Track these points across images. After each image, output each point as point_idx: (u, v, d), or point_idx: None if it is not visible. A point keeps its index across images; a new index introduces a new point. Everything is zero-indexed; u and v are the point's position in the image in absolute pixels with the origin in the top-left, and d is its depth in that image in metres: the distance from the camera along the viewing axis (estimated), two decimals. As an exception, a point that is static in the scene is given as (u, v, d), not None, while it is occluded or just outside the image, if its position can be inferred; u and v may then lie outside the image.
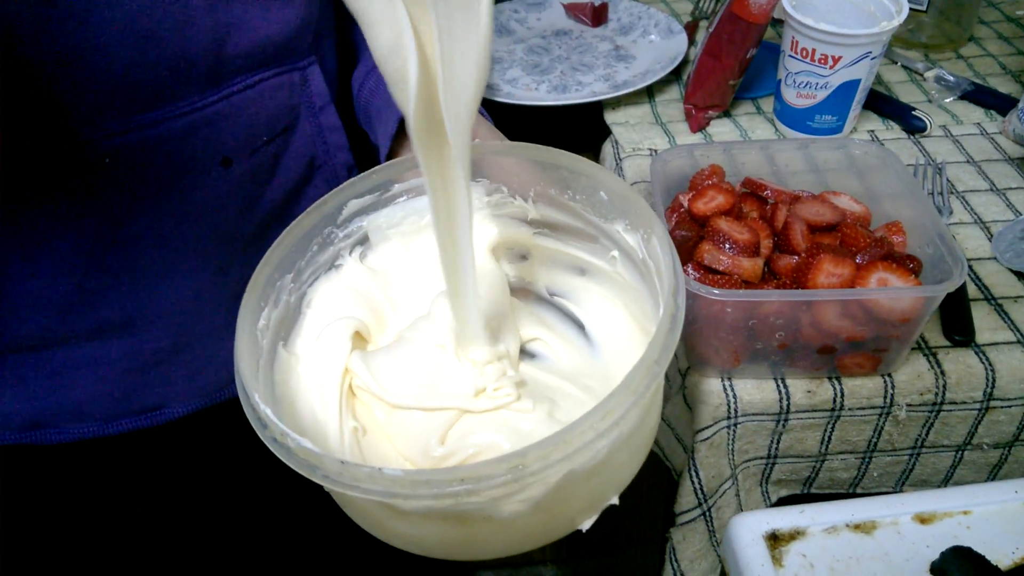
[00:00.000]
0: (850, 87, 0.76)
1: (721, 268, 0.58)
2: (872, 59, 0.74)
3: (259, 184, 0.56)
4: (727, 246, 0.58)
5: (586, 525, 0.39)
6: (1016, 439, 0.62)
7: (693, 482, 0.61)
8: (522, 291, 0.53)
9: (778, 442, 0.61)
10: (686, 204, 0.63)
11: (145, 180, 0.50)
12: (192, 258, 0.54)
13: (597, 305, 0.50)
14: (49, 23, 0.43)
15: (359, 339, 0.47)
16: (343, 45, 0.65)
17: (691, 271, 0.59)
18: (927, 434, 0.62)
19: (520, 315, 0.49)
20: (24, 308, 0.50)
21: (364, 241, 0.50)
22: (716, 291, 0.54)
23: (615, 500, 0.40)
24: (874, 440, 0.62)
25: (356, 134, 0.64)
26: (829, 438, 0.61)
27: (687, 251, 0.60)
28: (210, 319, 0.57)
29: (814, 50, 0.74)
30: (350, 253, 0.50)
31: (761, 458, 0.63)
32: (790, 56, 0.77)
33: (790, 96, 0.79)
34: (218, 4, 0.48)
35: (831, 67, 0.74)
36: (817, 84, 0.76)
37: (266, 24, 0.51)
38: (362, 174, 0.48)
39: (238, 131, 0.53)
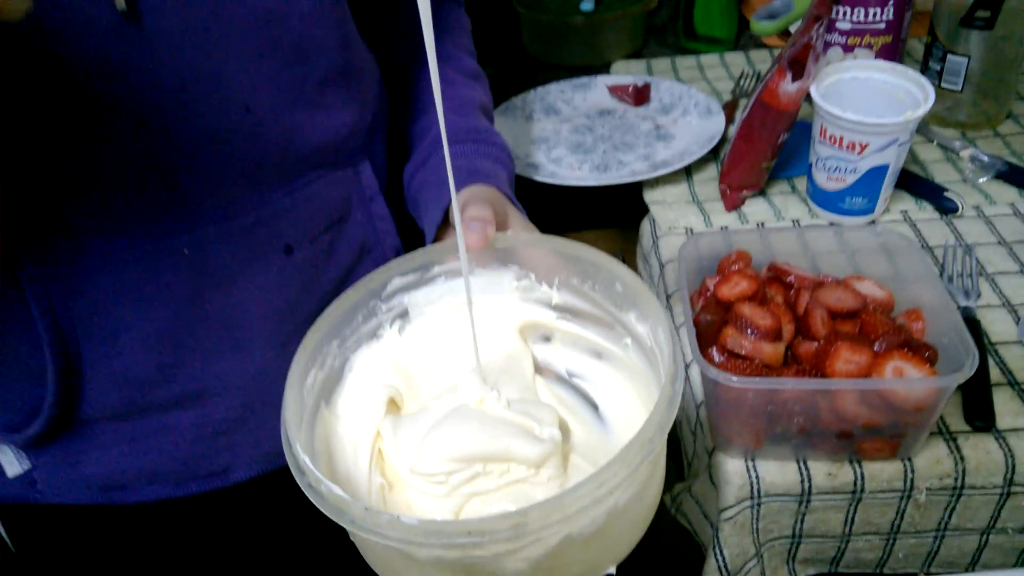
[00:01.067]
0: (879, 171, 0.78)
1: (743, 353, 0.61)
2: (900, 145, 0.77)
3: (316, 268, 0.62)
4: (749, 331, 0.62)
5: None
6: (1042, 524, 0.63)
7: (717, 559, 0.63)
8: (546, 370, 0.57)
9: (802, 522, 0.63)
10: (712, 288, 0.66)
11: (218, 267, 0.56)
12: (258, 335, 0.59)
13: (611, 387, 0.53)
14: (140, 132, 0.49)
15: (393, 404, 0.52)
16: (395, 139, 0.71)
17: (716, 355, 0.63)
18: (949, 517, 0.63)
19: (541, 392, 0.53)
20: (108, 383, 0.56)
21: (404, 315, 0.55)
22: (735, 379, 0.57)
23: (612, 570, 0.43)
24: (897, 522, 0.63)
25: (405, 218, 0.70)
26: (852, 519, 0.63)
27: (712, 335, 0.63)
28: (272, 390, 0.62)
29: (842, 137, 0.77)
30: (390, 325, 0.54)
31: (786, 537, 0.65)
32: (820, 142, 0.80)
33: (821, 179, 0.82)
34: (283, 114, 0.55)
35: (859, 153, 0.77)
36: (846, 169, 0.79)
37: (324, 129, 0.58)
38: (406, 255, 0.53)
39: (299, 222, 0.59)
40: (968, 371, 0.54)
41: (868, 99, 0.80)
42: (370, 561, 0.44)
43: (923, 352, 0.59)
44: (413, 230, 0.70)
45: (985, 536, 0.64)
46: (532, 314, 0.54)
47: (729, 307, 0.64)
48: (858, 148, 0.77)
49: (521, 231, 0.58)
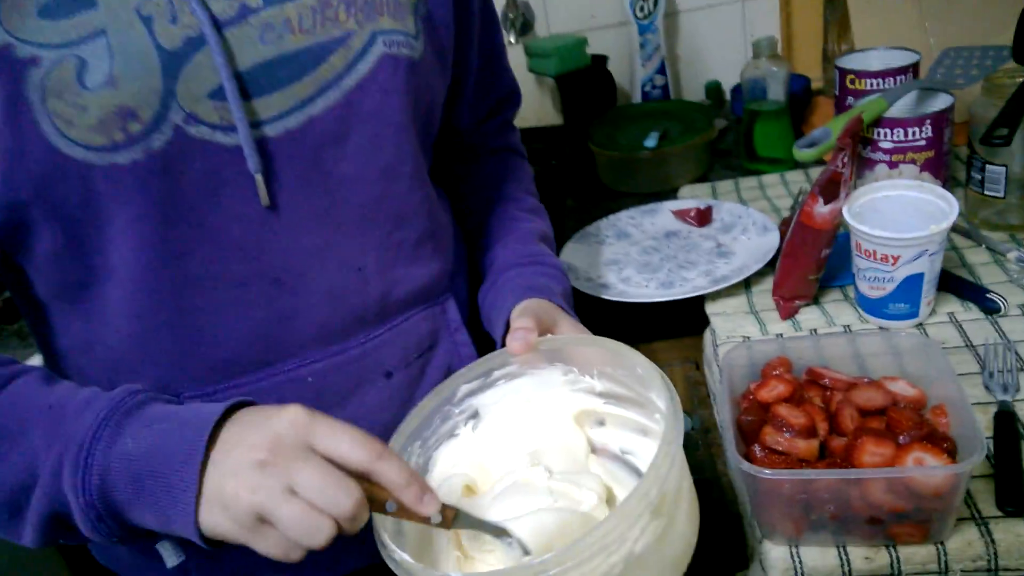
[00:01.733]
0: (915, 279, 0.86)
1: (780, 448, 0.70)
2: (931, 255, 0.85)
3: (412, 388, 0.75)
4: (785, 430, 0.70)
5: None
6: (1086, 606, 0.67)
7: (768, 638, 0.70)
8: (601, 450, 0.67)
9: (848, 603, 0.69)
10: (753, 392, 0.75)
11: (335, 390, 0.70)
12: None
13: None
14: (273, 292, 0.65)
15: (468, 490, 0.63)
16: (474, 271, 0.85)
17: (758, 451, 0.71)
18: (992, 599, 0.68)
19: (594, 468, 0.63)
20: None
21: (475, 415, 0.67)
22: (767, 472, 0.65)
23: None
24: (940, 604, 0.68)
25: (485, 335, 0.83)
26: (896, 601, 0.69)
27: (754, 433, 0.72)
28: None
29: (875, 251, 0.86)
30: (464, 424, 0.66)
31: (836, 618, 0.71)
32: (857, 256, 0.89)
33: (864, 288, 0.90)
34: (387, 271, 0.70)
35: (893, 264, 0.85)
36: (884, 278, 0.87)
37: (417, 278, 0.72)
38: (469, 364, 0.66)
39: (396, 352, 0.73)
40: (976, 459, 0.61)
41: (901, 214, 0.89)
42: None
43: (942, 444, 0.66)
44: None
45: (1031, 618, 0.68)
46: (583, 403, 0.65)
47: (768, 408, 0.73)
48: (891, 260, 0.85)
49: (569, 331, 0.70)
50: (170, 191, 0.59)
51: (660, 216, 1.21)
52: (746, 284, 1.03)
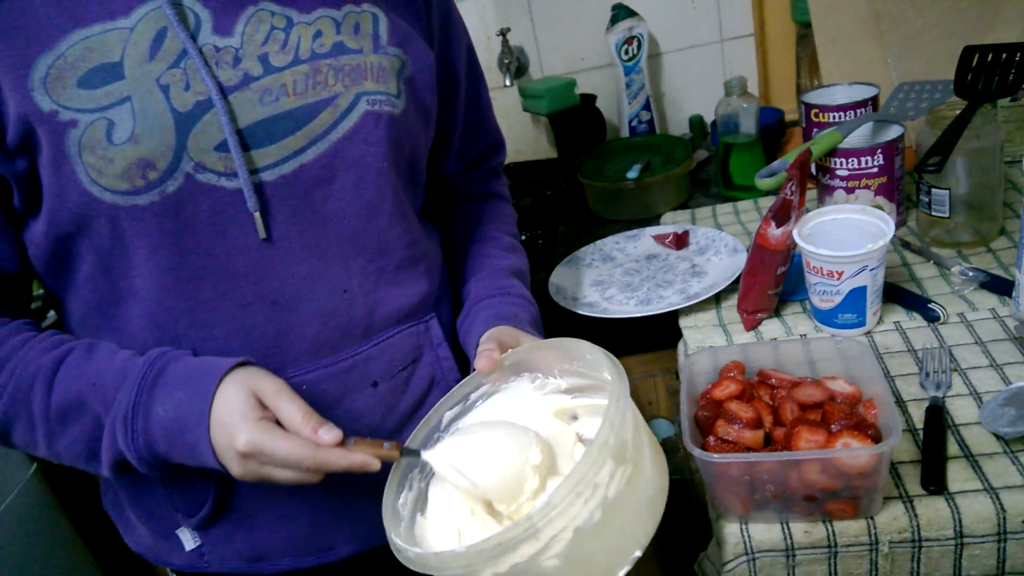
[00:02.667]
0: (860, 292, 0.97)
1: (731, 439, 0.80)
2: (871, 270, 0.95)
3: (396, 397, 0.84)
4: (735, 423, 0.80)
5: (621, 574, 0.61)
6: (1002, 572, 0.76)
7: (723, 605, 0.80)
8: (582, 441, 0.76)
9: (794, 573, 0.79)
10: (709, 391, 0.86)
11: (325, 397, 0.79)
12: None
13: None
14: (271, 312, 0.76)
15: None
16: (457, 296, 0.96)
17: (712, 441, 0.81)
18: (919, 567, 0.77)
19: (577, 454, 0.72)
20: (249, 490, 0.81)
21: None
22: (715, 456, 0.75)
23: (638, 554, 0.61)
24: (874, 573, 0.78)
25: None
26: (835, 571, 0.79)
27: (710, 426, 0.82)
28: (364, 486, 0.82)
29: (822, 267, 0.97)
30: None
31: (783, 588, 0.80)
32: (808, 272, 0.99)
33: (816, 301, 1.01)
34: (370, 293, 0.80)
35: (838, 279, 0.96)
36: (832, 292, 0.98)
37: (400, 300, 0.83)
38: (448, 393, 0.76)
39: (382, 364, 0.83)
40: (892, 442, 0.71)
41: (846, 234, 0.99)
42: None
43: (867, 431, 0.76)
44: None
45: (956, 585, 0.78)
46: (555, 403, 0.75)
47: (721, 404, 0.83)
48: (836, 275, 0.96)
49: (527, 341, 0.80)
50: (182, 227, 0.72)
51: (642, 241, 1.32)
52: (716, 300, 1.14)
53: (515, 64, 1.66)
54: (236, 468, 0.68)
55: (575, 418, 0.78)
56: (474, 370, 0.78)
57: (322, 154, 0.75)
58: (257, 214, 0.72)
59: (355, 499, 0.83)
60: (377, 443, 0.69)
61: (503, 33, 1.63)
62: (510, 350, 0.77)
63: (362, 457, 0.67)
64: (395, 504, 0.69)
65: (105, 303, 0.76)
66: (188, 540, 0.84)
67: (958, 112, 1.08)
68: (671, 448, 1.18)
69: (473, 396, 0.77)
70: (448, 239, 0.99)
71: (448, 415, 0.76)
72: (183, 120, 0.70)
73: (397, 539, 0.63)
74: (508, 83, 1.63)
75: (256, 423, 0.66)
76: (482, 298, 0.90)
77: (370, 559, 0.86)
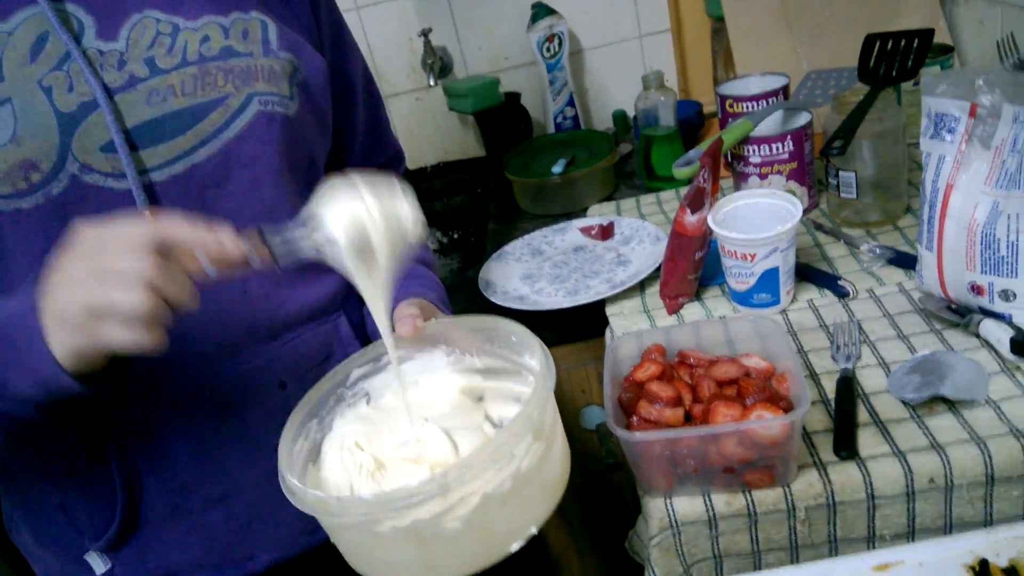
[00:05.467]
0: (772, 273, 1.00)
1: (652, 418, 0.82)
2: (782, 251, 0.99)
3: None
4: (656, 403, 0.83)
5: (515, 547, 0.61)
6: (912, 530, 0.80)
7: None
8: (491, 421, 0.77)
9: (717, 543, 0.82)
10: (631, 373, 0.88)
11: (233, 399, 0.78)
12: (263, 449, 0.77)
13: None
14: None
15: (357, 447, 0.72)
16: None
17: (636, 420, 0.84)
18: (835, 530, 0.81)
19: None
20: (159, 491, 0.78)
21: (368, 396, 0.76)
22: (637, 435, 0.78)
23: (534, 530, 0.62)
24: (793, 538, 0.81)
25: None
26: (757, 538, 0.82)
27: (633, 407, 0.85)
28: (278, 492, 0.82)
29: (735, 250, 1.00)
30: (359, 401, 0.75)
31: (710, 558, 0.83)
32: (724, 255, 1.03)
33: (732, 283, 1.04)
34: (271, 292, 0.79)
35: (751, 260, 1.00)
36: (746, 273, 1.01)
37: (304, 297, 0.82)
38: (360, 351, 0.76)
39: (289, 365, 0.81)
40: (800, 412, 0.74)
41: (759, 218, 1.03)
42: (353, 563, 0.64)
43: (780, 403, 0.79)
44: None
45: (871, 544, 0.81)
46: (465, 380, 0.75)
47: (642, 386, 0.86)
48: (749, 257, 1.00)
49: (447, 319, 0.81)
50: (67, 229, 0.68)
51: (569, 233, 1.35)
52: (641, 287, 1.17)
53: (438, 64, 1.67)
54: (67, 286, 0.57)
55: (480, 399, 0.78)
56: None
57: (214, 154, 0.75)
58: (147, 213, 0.71)
59: (271, 503, 0.81)
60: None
61: (425, 34, 1.64)
62: (433, 320, 0.78)
63: (218, 237, 0.60)
64: (291, 449, 0.67)
65: None
66: (98, 564, 0.81)
67: (862, 97, 1.13)
68: (605, 434, 1.20)
69: (385, 359, 0.76)
70: None
71: (357, 372, 0.75)
72: (66, 120, 0.69)
73: (294, 481, 0.61)
74: (432, 83, 1.64)
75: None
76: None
77: (293, 568, 0.85)
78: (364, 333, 0.91)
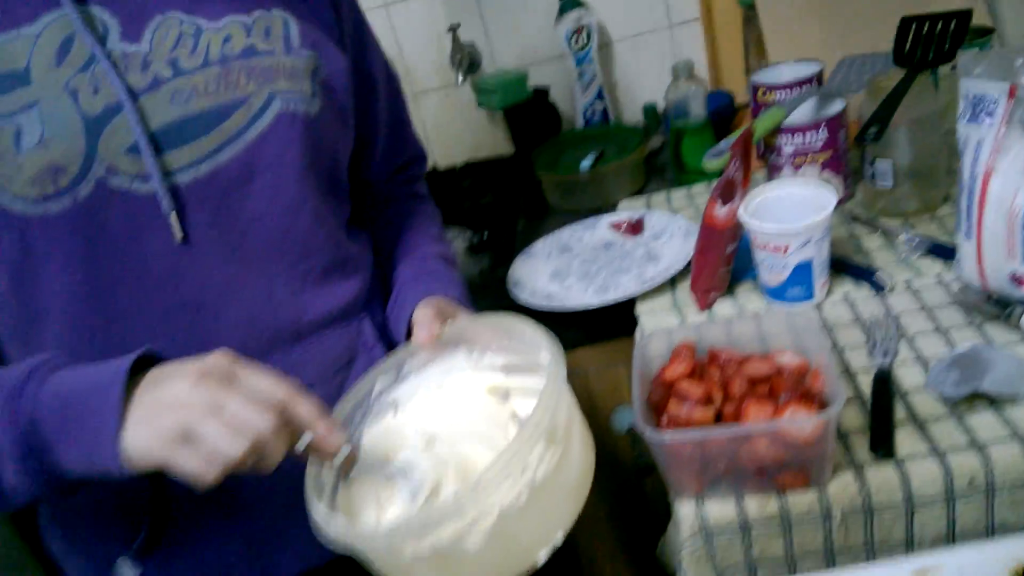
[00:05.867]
0: (806, 265, 0.98)
1: (681, 418, 0.81)
2: (816, 242, 0.96)
3: (331, 401, 0.79)
4: (685, 401, 0.81)
5: (543, 556, 0.61)
6: (952, 534, 0.77)
7: (683, 585, 0.81)
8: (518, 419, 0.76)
9: (750, 549, 0.80)
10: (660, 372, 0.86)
11: None
12: (293, 457, 0.75)
13: None
14: (193, 317, 0.75)
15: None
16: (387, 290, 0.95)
17: (664, 421, 0.82)
18: (872, 536, 0.78)
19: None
20: (186, 500, 0.77)
21: (395, 406, 0.77)
22: (667, 435, 0.76)
23: (560, 536, 0.61)
24: (829, 543, 0.79)
25: None
26: (792, 543, 0.80)
27: (663, 406, 0.83)
28: (298, 504, 0.78)
29: (768, 242, 0.98)
30: (386, 413, 0.76)
31: (743, 564, 0.81)
32: (756, 249, 1.00)
33: (764, 276, 1.02)
34: (295, 296, 0.80)
35: (784, 253, 0.97)
36: (780, 266, 0.99)
37: (327, 303, 0.82)
38: (379, 362, 0.76)
39: (315, 367, 0.81)
40: (835, 410, 0.72)
41: (793, 209, 1.01)
42: None
43: (813, 401, 0.77)
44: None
45: (909, 549, 0.79)
46: (489, 380, 0.75)
47: (672, 385, 0.84)
48: (782, 250, 0.97)
49: (465, 318, 0.80)
50: (96, 234, 0.71)
51: (598, 230, 1.33)
52: (672, 283, 1.15)
53: (467, 60, 1.66)
54: (178, 399, 0.57)
55: (506, 397, 0.78)
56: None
57: (237, 154, 0.75)
58: (173, 215, 0.72)
59: (297, 510, 0.81)
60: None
61: (453, 30, 1.63)
62: (449, 321, 0.77)
63: (336, 422, 0.64)
64: (318, 473, 0.67)
65: (21, 325, 0.74)
66: (128, 570, 0.82)
67: (897, 83, 1.09)
68: (636, 436, 1.18)
69: (406, 367, 0.77)
70: (376, 236, 1.00)
71: (381, 383, 0.76)
72: (92, 124, 0.69)
73: (318, 517, 0.61)
74: (460, 80, 1.63)
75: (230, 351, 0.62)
76: (408, 281, 0.90)
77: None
78: (387, 334, 0.90)
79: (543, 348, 0.68)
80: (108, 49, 0.72)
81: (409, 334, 0.84)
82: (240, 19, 0.78)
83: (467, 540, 0.58)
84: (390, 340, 0.90)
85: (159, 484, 0.78)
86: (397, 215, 1.02)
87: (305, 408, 0.62)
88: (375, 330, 0.88)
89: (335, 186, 0.88)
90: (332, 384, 0.83)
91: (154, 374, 0.61)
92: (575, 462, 0.65)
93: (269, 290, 0.79)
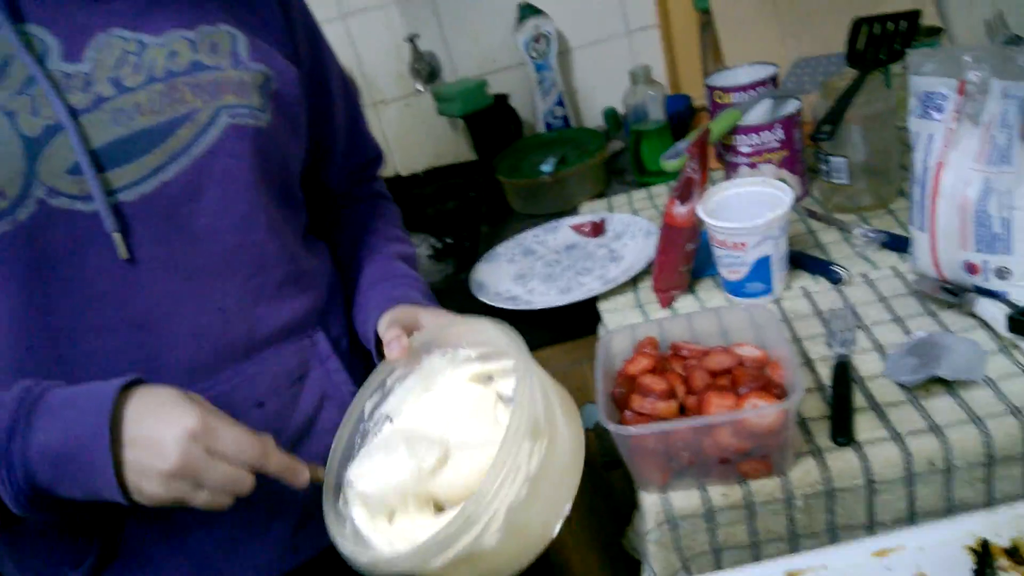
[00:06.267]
0: (764, 261, 0.99)
1: (645, 412, 0.81)
2: (774, 239, 0.98)
3: (284, 415, 0.82)
4: (649, 396, 0.82)
5: (556, 530, 0.65)
6: (913, 515, 0.79)
7: (649, 572, 0.81)
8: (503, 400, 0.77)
9: (715, 536, 0.81)
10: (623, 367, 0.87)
11: None
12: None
13: None
14: (138, 335, 0.74)
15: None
16: (349, 302, 0.94)
17: (628, 416, 0.82)
18: (834, 517, 0.79)
19: (505, 416, 0.72)
20: (137, 516, 0.77)
21: (389, 419, 0.78)
22: (632, 429, 0.77)
23: (568, 506, 0.66)
24: (792, 527, 0.80)
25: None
26: (755, 529, 0.80)
27: (625, 402, 0.83)
28: (261, 513, 0.80)
29: (726, 240, 0.99)
30: (383, 424, 0.77)
31: (707, 551, 0.82)
32: (715, 246, 1.02)
33: (725, 273, 1.03)
34: (248, 310, 0.79)
35: (743, 250, 0.98)
36: (738, 263, 1.00)
37: (282, 315, 0.81)
38: (364, 384, 0.77)
39: (267, 382, 0.80)
40: (795, 398, 0.73)
41: (751, 207, 1.02)
42: None
43: (774, 391, 0.78)
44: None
45: (872, 531, 0.80)
46: (469, 370, 0.76)
47: (635, 380, 0.84)
48: (740, 247, 0.98)
49: (431, 322, 0.81)
50: (38, 255, 0.70)
51: (561, 232, 1.34)
52: (634, 283, 1.16)
53: (426, 69, 1.67)
54: (173, 461, 0.63)
55: (490, 379, 0.79)
56: (377, 353, 0.79)
57: (184, 170, 0.74)
58: (117, 235, 0.71)
59: (254, 524, 0.80)
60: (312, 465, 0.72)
61: (412, 39, 1.64)
62: (415, 333, 0.78)
63: (300, 464, 0.69)
64: (335, 506, 0.70)
65: None
66: None
67: (848, 83, 1.12)
68: (602, 432, 1.19)
69: (389, 381, 0.78)
70: (337, 242, 0.99)
71: (369, 404, 0.77)
72: (31, 144, 0.68)
73: (346, 552, 0.64)
74: (421, 88, 1.64)
75: (203, 403, 0.67)
76: (371, 285, 0.90)
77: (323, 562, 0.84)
78: (341, 348, 0.89)
79: (505, 347, 0.69)
80: (48, 69, 0.70)
81: (379, 344, 0.84)
82: (184, 34, 0.77)
83: (484, 541, 0.60)
84: (347, 354, 0.90)
85: (109, 505, 0.76)
86: (358, 215, 1.02)
87: (275, 462, 0.68)
88: (329, 343, 0.86)
89: (289, 197, 0.87)
90: (285, 397, 0.81)
91: (131, 420, 0.65)
92: (564, 442, 0.67)
93: (220, 305, 0.77)
